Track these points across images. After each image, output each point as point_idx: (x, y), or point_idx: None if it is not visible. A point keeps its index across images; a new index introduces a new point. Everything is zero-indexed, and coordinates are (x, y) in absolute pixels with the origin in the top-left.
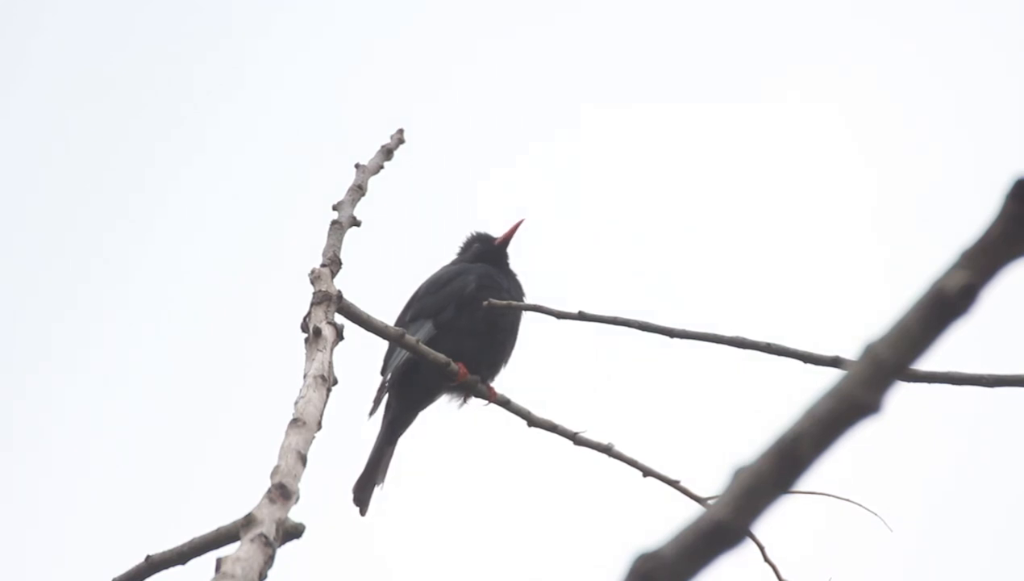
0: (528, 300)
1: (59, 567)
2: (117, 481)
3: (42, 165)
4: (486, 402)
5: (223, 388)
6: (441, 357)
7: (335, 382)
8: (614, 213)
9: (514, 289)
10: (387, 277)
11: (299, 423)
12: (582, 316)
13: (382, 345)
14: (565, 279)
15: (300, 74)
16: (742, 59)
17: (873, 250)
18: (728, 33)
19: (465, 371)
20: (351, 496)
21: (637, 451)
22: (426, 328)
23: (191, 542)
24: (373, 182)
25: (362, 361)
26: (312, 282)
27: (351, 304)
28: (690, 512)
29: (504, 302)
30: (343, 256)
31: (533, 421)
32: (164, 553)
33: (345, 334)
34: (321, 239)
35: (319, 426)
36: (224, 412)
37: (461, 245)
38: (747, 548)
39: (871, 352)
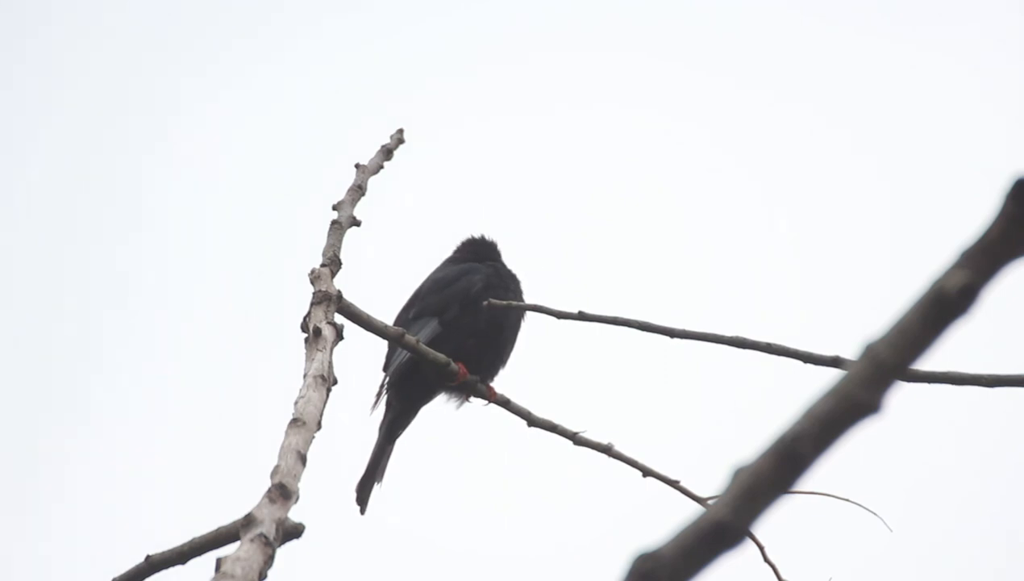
0: (528, 300)
1: (59, 567)
2: (117, 481)
3: (42, 164)
4: (486, 402)
5: (223, 388)
6: (441, 357)
7: (335, 382)
8: (614, 212)
9: (515, 288)
10: (387, 277)
11: (299, 423)
12: (582, 316)
13: (382, 345)
14: (565, 279)
15: (300, 74)
16: (742, 53)
17: (873, 250)
18: (728, 26)
19: (465, 371)
20: (355, 495)
21: (637, 451)
22: (431, 326)
23: (191, 542)
24: (373, 182)
25: (362, 361)
26: (312, 282)
27: (351, 304)
28: (690, 512)
29: (504, 302)
30: (343, 256)
31: (533, 421)
32: (164, 553)
33: (345, 334)
34: (321, 239)
35: (319, 426)
36: (224, 412)
37: (457, 246)
38: (747, 548)
39: (871, 352)
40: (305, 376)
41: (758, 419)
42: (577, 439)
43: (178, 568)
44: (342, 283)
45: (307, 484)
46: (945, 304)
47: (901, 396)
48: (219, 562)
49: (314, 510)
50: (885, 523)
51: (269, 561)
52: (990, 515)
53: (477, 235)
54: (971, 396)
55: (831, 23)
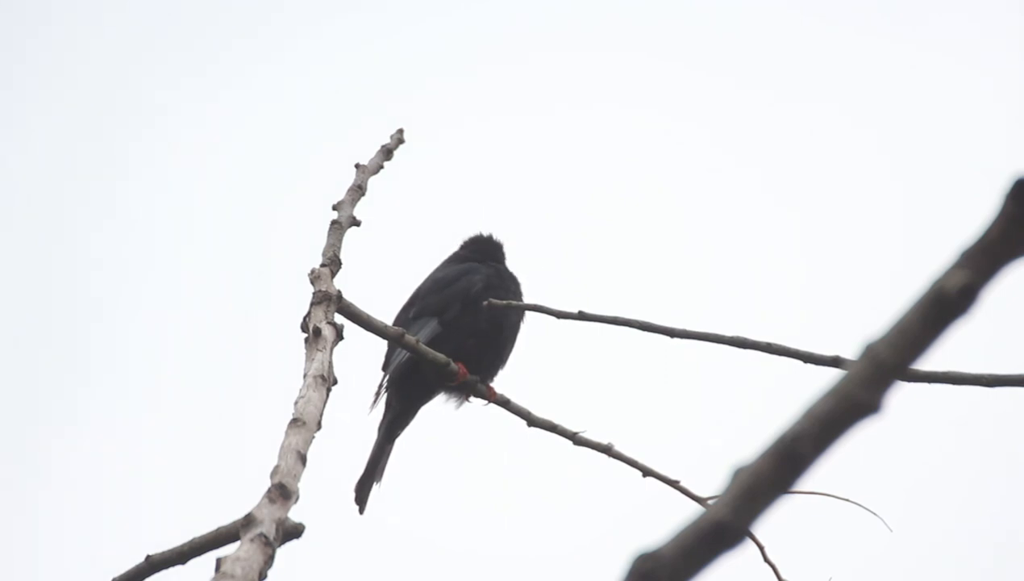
0: (528, 300)
1: (59, 567)
2: (117, 481)
3: (41, 163)
4: (486, 402)
5: (223, 388)
6: (441, 357)
7: (335, 382)
8: (614, 213)
9: (515, 289)
10: (387, 277)
11: (299, 423)
12: (582, 316)
13: (382, 345)
14: (565, 279)
15: (300, 74)
16: (742, 53)
17: (873, 250)
18: (728, 26)
19: (465, 371)
20: (354, 495)
21: (637, 451)
22: (431, 326)
23: (191, 542)
24: (373, 182)
25: (362, 361)
26: (312, 282)
27: (351, 304)
28: (690, 512)
29: (504, 302)
30: (343, 256)
31: (533, 421)
32: (164, 553)
33: (345, 334)
34: (321, 239)
35: (319, 426)
36: (224, 412)
37: (462, 242)
38: (747, 548)
39: (871, 352)
40: (305, 376)
41: (758, 419)
42: (577, 439)
43: (178, 568)
44: (342, 283)
45: (307, 484)
46: (945, 304)
47: (901, 396)
48: (219, 562)
49: (314, 510)
50: (885, 523)
51: (269, 561)
52: (990, 515)
53: (485, 233)
54: (971, 396)
55: (831, 23)
